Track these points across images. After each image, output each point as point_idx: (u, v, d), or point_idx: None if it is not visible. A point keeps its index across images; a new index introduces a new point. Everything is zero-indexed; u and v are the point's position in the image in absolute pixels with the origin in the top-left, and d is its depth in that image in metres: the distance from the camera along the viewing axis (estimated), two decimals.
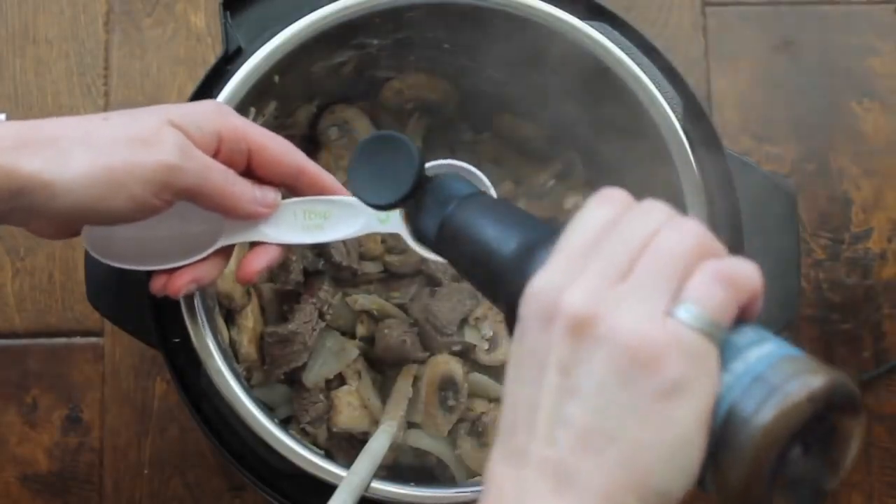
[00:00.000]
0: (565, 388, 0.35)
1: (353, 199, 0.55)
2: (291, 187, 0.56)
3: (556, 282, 0.37)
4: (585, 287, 0.36)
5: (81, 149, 0.48)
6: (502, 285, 0.42)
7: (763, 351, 0.35)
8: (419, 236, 0.53)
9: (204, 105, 0.54)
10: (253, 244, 0.56)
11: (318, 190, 0.56)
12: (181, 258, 0.55)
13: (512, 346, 0.38)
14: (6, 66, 0.87)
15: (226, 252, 0.56)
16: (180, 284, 0.55)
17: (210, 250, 0.55)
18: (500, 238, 0.44)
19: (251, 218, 0.54)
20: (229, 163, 0.53)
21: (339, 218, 0.56)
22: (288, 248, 0.59)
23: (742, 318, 0.37)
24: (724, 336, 0.35)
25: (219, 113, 0.53)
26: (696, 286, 0.35)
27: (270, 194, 0.55)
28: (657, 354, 0.34)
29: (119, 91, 0.87)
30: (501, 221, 0.45)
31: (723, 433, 0.34)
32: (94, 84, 0.87)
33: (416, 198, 0.50)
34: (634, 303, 0.35)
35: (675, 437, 0.34)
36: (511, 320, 0.39)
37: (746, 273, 0.36)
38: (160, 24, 0.88)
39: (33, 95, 0.87)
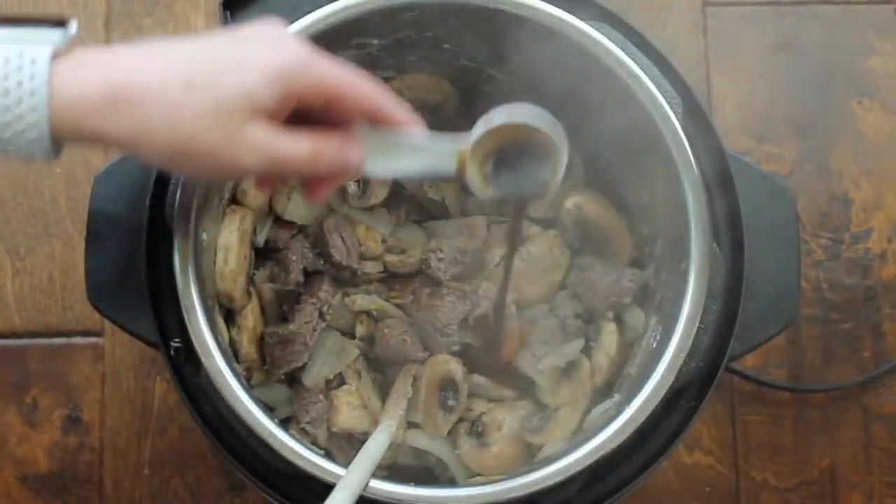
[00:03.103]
0: None
1: (424, 139, 0.57)
2: (369, 120, 0.56)
3: None
4: None
5: (166, 123, 0.48)
6: None
7: None
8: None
9: (289, 65, 0.51)
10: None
11: (394, 126, 0.55)
12: None
13: None
14: None
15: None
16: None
17: None
18: None
19: (341, 177, 0.56)
20: (307, 109, 0.52)
21: (411, 154, 0.57)
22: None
23: None
24: None
25: (304, 72, 0.51)
26: None
27: (353, 157, 0.55)
28: None
29: None
30: None
31: None
32: None
33: None
34: None
35: None
36: None
37: None
38: (160, 24, 0.88)
39: None
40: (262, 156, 0.50)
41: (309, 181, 0.55)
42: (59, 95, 0.46)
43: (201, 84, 0.49)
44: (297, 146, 0.51)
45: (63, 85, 0.46)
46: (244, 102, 0.49)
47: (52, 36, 0.48)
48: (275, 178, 0.52)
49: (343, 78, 0.53)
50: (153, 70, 0.49)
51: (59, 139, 0.47)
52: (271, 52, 0.51)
